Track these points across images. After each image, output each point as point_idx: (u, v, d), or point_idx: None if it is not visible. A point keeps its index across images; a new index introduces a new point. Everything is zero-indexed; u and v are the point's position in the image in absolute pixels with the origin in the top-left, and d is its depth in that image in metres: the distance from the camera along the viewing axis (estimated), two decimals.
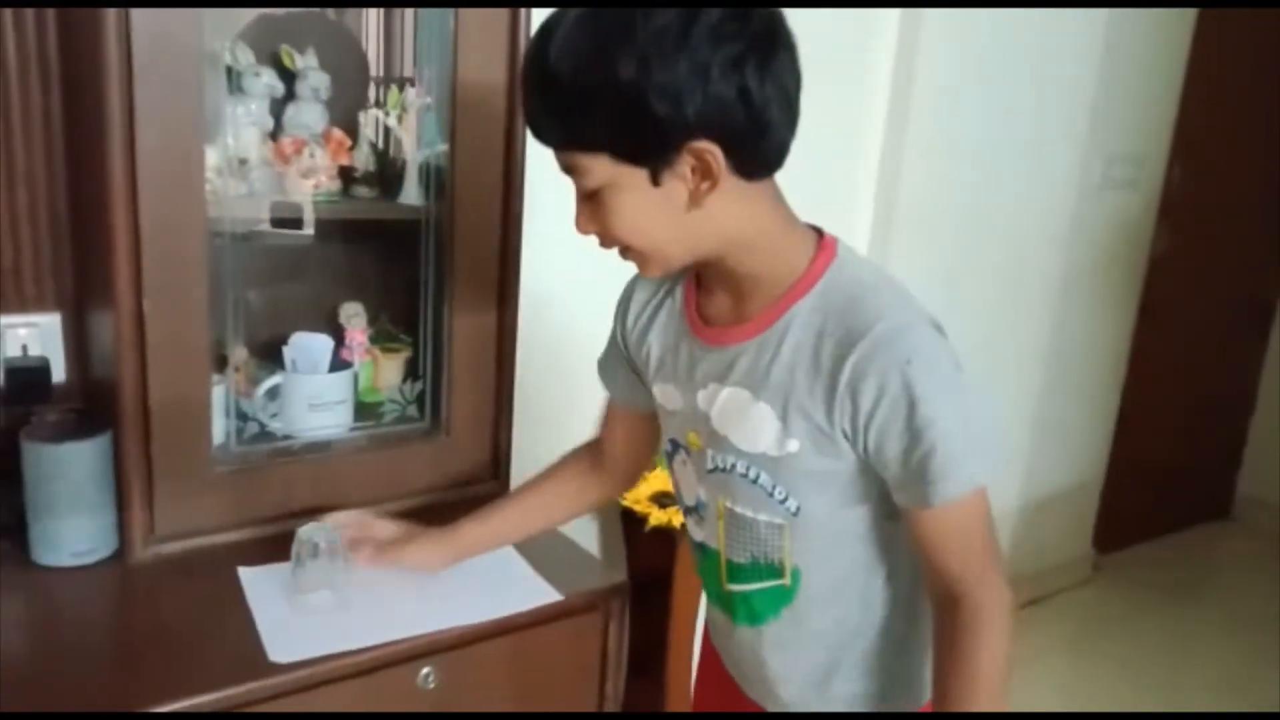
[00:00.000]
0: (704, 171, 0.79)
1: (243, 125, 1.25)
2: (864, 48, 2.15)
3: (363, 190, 1.33)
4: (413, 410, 1.42)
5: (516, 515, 1.19)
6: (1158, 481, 3.42)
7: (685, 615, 1.76)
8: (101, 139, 1.04)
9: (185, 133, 1.08)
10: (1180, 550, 3.49)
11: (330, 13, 1.41)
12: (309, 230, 1.35)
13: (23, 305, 1.23)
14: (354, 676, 1.02)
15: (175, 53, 1.05)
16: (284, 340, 1.34)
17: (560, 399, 1.82)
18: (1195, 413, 3.48)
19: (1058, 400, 2.88)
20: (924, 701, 0.97)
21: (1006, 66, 2.30)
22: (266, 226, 1.31)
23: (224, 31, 1.19)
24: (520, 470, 1.46)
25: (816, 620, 0.96)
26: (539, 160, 1.35)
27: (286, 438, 1.31)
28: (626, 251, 0.87)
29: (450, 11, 1.24)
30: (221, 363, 1.26)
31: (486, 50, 1.27)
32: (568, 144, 0.82)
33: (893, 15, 2.16)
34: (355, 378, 1.40)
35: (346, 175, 1.33)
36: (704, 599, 1.10)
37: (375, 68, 1.43)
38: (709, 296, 0.95)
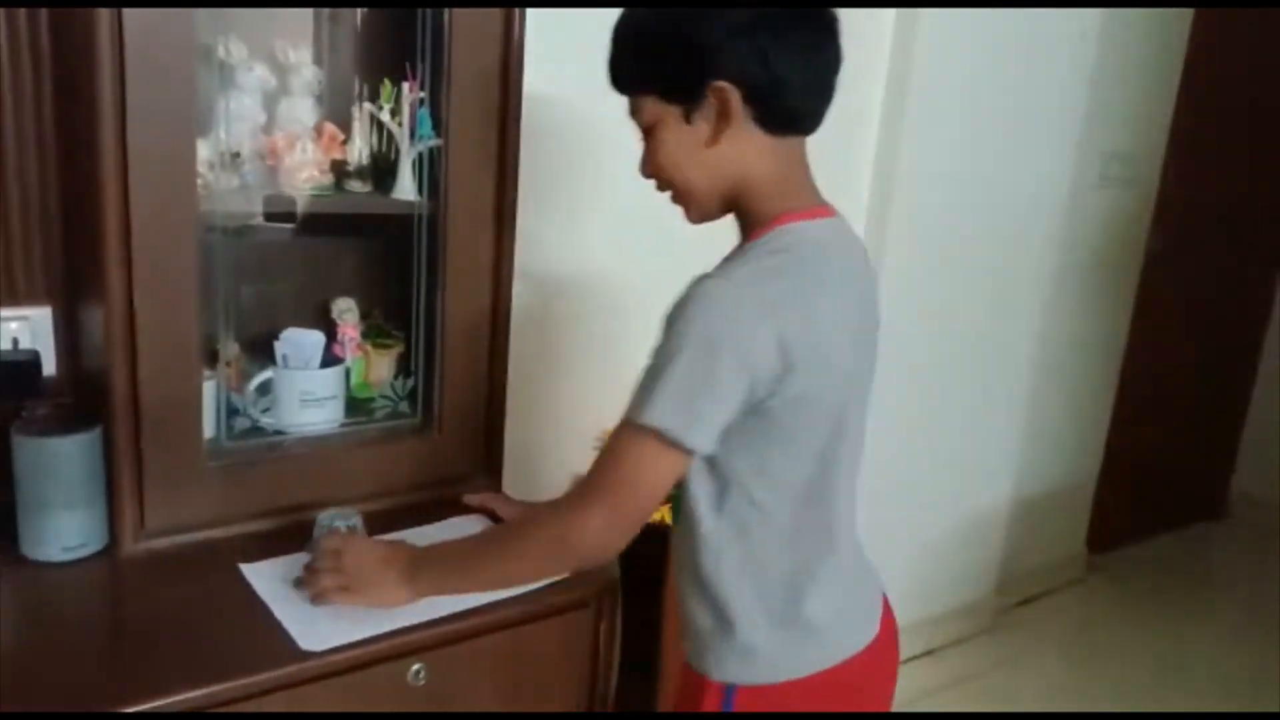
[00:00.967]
0: (723, 113, 0.94)
1: (235, 119, 1.24)
2: (860, 46, 2.15)
3: (356, 185, 1.33)
4: (405, 406, 1.41)
5: None
6: (1152, 481, 3.42)
7: (678, 611, 1.75)
8: (93, 132, 1.04)
9: (177, 126, 1.08)
10: (1174, 550, 3.50)
11: None
12: (301, 225, 1.35)
13: (13, 298, 1.22)
14: (345, 673, 1.02)
15: (168, 46, 1.05)
16: (276, 335, 1.34)
17: (553, 397, 1.82)
18: (1189, 412, 3.49)
19: (1052, 398, 2.89)
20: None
21: (1002, 65, 2.30)
22: (259, 221, 1.31)
23: (217, 25, 1.19)
24: (512, 467, 1.46)
25: (679, 562, 1.06)
26: (532, 156, 1.35)
27: (278, 433, 1.31)
28: (674, 195, 1.02)
29: None
30: (213, 357, 1.25)
31: (480, 43, 1.27)
32: (628, 86, 1.00)
33: (888, 15, 2.17)
34: (347, 373, 1.39)
35: (339, 169, 1.32)
36: None
37: (369, 61, 1.43)
38: None
